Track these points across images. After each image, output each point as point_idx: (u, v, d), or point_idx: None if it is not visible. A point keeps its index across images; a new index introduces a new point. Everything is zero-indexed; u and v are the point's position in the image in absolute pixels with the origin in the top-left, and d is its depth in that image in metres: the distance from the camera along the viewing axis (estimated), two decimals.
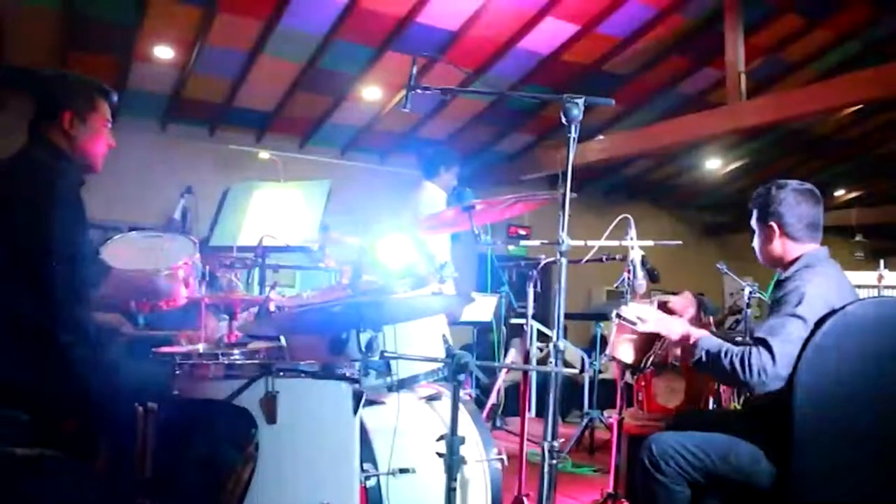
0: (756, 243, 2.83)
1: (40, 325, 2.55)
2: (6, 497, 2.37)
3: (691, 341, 2.66)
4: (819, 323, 2.41)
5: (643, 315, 2.80)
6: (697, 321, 3.00)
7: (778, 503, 2.43)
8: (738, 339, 2.91)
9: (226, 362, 2.40)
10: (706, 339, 2.62)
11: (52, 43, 6.91)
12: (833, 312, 2.42)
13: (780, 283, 2.68)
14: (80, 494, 2.49)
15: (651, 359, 3.05)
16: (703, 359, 2.58)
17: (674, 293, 3.59)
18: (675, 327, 2.75)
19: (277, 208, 3.81)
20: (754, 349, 2.46)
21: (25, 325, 2.54)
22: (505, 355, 6.27)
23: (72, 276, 2.51)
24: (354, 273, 2.91)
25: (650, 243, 3.41)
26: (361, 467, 2.47)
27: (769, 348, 2.43)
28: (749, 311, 4.80)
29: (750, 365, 2.44)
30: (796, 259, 2.69)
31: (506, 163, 10.33)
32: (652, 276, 3.34)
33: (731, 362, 2.48)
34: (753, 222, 2.82)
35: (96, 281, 2.61)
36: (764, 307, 4.40)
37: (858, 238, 11.80)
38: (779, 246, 2.72)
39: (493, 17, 6.93)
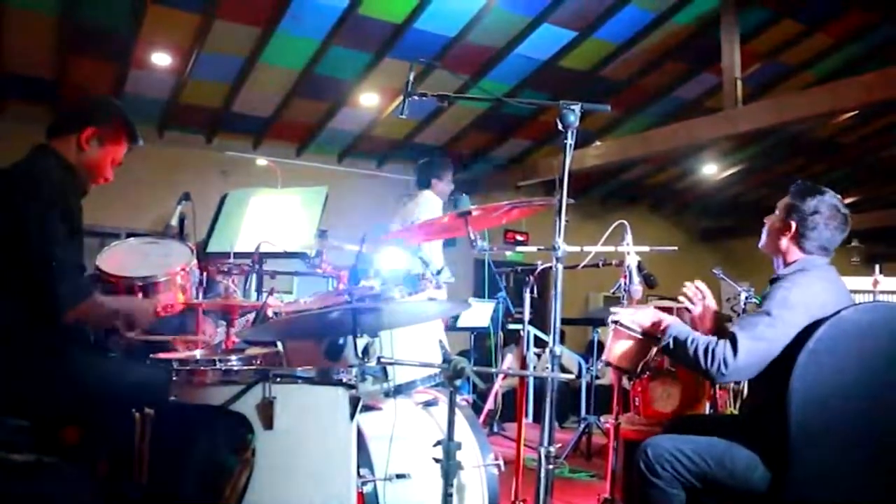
0: (767, 225, 2.81)
1: (38, 331, 2.55)
2: (4, 503, 2.38)
3: (661, 327, 2.72)
4: (813, 328, 2.41)
5: (627, 312, 2.86)
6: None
7: None
8: None
9: (223, 368, 2.41)
10: (675, 326, 2.66)
11: (50, 49, 6.93)
12: (827, 318, 2.42)
13: (772, 282, 2.69)
14: (77, 500, 2.49)
15: (647, 364, 3.05)
16: (671, 345, 2.63)
17: (671, 298, 3.60)
18: (643, 315, 2.83)
19: (275, 214, 3.81)
20: (720, 341, 2.49)
21: (23, 331, 2.54)
22: (502, 361, 6.28)
23: (72, 283, 2.52)
24: (351, 279, 2.92)
25: (646, 249, 3.42)
26: (358, 473, 2.47)
27: (734, 342, 2.46)
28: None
29: (713, 355, 2.47)
30: (794, 262, 2.70)
31: (503, 169, 10.35)
32: (648, 282, 3.35)
33: (696, 351, 2.52)
34: (778, 207, 2.78)
35: (89, 290, 2.62)
36: None
37: (854, 243, 11.80)
38: (784, 244, 2.72)
39: (490, 23, 6.95)
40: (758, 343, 2.46)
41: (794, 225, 2.68)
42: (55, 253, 2.49)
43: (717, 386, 4.09)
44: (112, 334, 3.01)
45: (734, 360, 2.45)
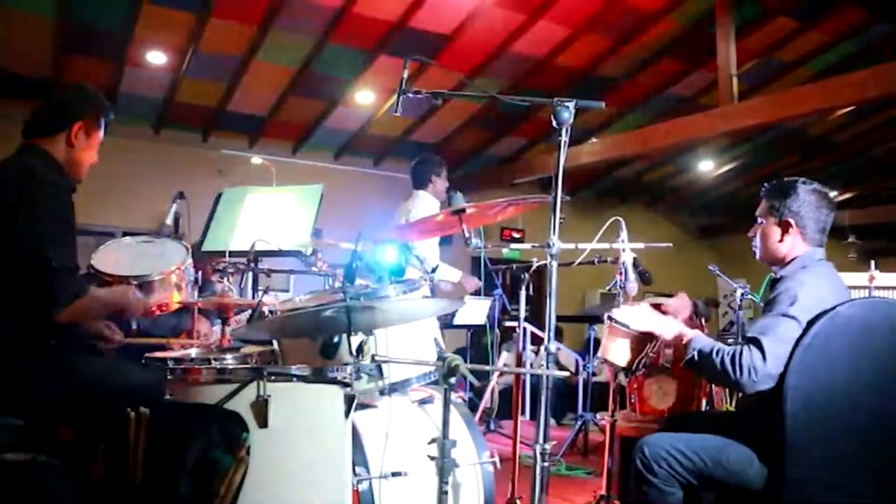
0: (759, 237, 2.78)
1: (32, 331, 2.55)
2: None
3: (684, 341, 2.66)
4: (809, 324, 2.41)
5: (639, 314, 2.81)
6: (690, 323, 2.99)
7: None
8: (731, 340, 2.90)
9: (218, 366, 2.40)
10: (699, 339, 2.61)
11: (47, 49, 6.91)
12: (823, 314, 2.42)
13: (774, 283, 2.68)
14: (72, 500, 2.49)
15: (643, 361, 3.05)
16: (696, 358, 2.57)
17: (668, 295, 3.60)
18: (668, 326, 2.76)
19: (270, 213, 3.81)
20: (745, 348, 2.45)
21: (17, 330, 2.54)
22: (498, 358, 6.28)
23: (65, 283, 2.51)
24: (347, 277, 2.91)
25: (641, 246, 3.41)
26: (353, 471, 2.47)
27: (760, 347, 2.42)
28: (741, 312, 4.82)
29: (741, 364, 2.43)
30: (794, 259, 2.69)
31: (498, 166, 10.34)
32: (644, 279, 3.35)
33: (722, 361, 2.47)
34: (762, 214, 2.76)
35: (83, 289, 2.61)
36: (757, 309, 4.41)
37: (851, 239, 11.83)
38: (788, 244, 2.69)
39: (485, 20, 6.95)
40: (783, 346, 2.42)
41: (792, 222, 2.67)
42: (48, 253, 2.48)
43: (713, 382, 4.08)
44: (101, 341, 3.02)
45: (764, 365, 2.40)
